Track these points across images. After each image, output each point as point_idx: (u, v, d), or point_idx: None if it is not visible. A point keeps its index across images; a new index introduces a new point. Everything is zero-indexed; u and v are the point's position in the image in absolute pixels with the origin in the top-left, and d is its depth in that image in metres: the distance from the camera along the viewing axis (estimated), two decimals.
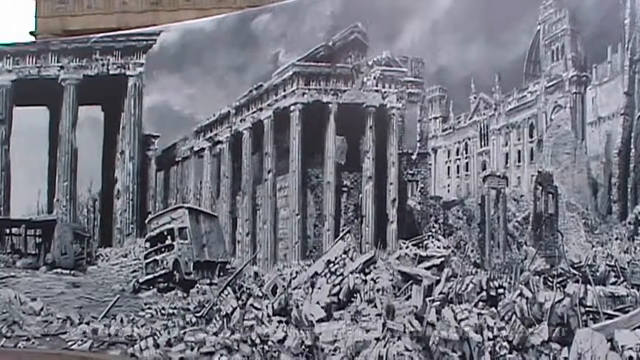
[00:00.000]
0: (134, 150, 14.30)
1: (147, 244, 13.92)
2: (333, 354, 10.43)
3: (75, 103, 14.76)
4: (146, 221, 14.13)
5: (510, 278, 10.02)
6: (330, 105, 12.16)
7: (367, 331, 10.42)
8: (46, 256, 14.79)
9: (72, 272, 14.49)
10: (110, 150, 14.62)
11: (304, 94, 12.33)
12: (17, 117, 15.10)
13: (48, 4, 27.61)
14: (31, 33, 28.66)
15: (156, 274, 13.65)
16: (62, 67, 14.75)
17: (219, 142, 13.70)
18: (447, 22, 11.00)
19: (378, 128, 12.06)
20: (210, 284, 12.98)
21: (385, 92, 11.83)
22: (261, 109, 12.96)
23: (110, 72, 14.47)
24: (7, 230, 15.32)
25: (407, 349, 9.89)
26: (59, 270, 14.59)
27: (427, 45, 11.23)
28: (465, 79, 11.02)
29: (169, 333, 12.42)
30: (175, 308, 12.96)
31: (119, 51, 14.43)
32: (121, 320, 13.08)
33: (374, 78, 11.80)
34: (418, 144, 11.89)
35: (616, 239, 9.76)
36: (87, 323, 13.30)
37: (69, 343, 13.12)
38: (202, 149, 13.96)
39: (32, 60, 14.95)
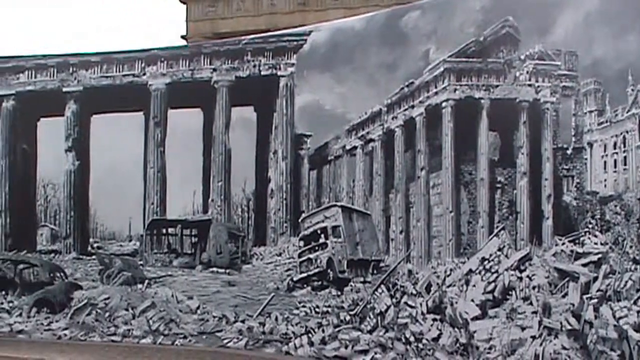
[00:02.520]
0: (286, 150, 15.33)
1: (301, 243, 14.84)
2: (488, 352, 10.92)
3: (228, 104, 15.99)
4: (300, 220, 15.06)
5: None
6: (482, 101, 12.58)
7: (523, 329, 10.82)
8: (202, 255, 16.12)
9: (228, 271, 15.71)
10: (263, 150, 15.67)
11: (455, 90, 12.81)
12: (172, 119, 16.53)
13: (198, 8, 29.64)
14: (182, 37, 30.95)
15: (310, 273, 14.54)
16: (214, 70, 16.03)
17: (371, 140, 14.31)
18: (601, 13, 11.23)
19: (532, 123, 12.37)
20: (364, 282, 13.66)
21: (538, 86, 12.12)
22: (413, 106, 13.51)
23: (262, 73, 15.60)
24: (164, 231, 16.76)
25: (564, 348, 10.28)
26: (214, 269, 15.85)
27: (581, 37, 11.48)
28: (622, 70, 11.11)
29: (323, 331, 13.33)
30: (329, 306, 13.77)
31: (270, 52, 15.52)
32: (276, 319, 14.11)
33: (527, 72, 12.11)
34: (573, 139, 12.07)
35: None
36: (243, 321, 14.43)
37: (225, 341, 14.28)
38: (355, 147, 14.60)
39: (186, 64, 16.32)
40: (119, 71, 16.72)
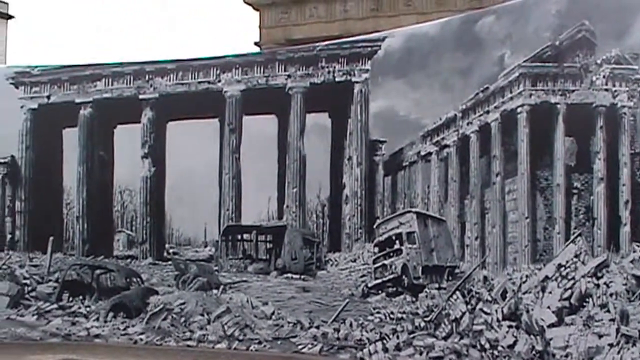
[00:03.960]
0: (361, 156, 15.64)
1: (376, 249, 15.09)
2: None
3: (303, 111, 16.35)
4: (374, 226, 15.31)
5: None
6: (558, 105, 12.73)
7: (600, 337, 11.01)
8: (277, 261, 16.50)
9: (302, 276, 16.03)
10: (337, 156, 16.01)
11: (531, 95, 12.97)
12: (247, 125, 16.95)
13: (271, 15, 30.33)
14: (256, 44, 31.72)
15: (385, 279, 14.78)
16: (289, 76, 16.41)
17: (446, 146, 14.51)
18: None
19: (609, 128, 12.46)
20: (439, 289, 13.86)
21: (615, 90, 12.21)
22: (488, 112, 13.69)
23: (336, 79, 15.93)
24: (239, 237, 17.16)
25: None
26: (289, 275, 16.17)
27: None
28: None
29: (397, 337, 13.54)
30: (404, 312, 13.96)
31: (344, 58, 15.84)
32: (350, 325, 14.32)
33: (604, 77, 12.21)
34: None
35: None
36: (317, 327, 14.64)
37: (300, 346, 14.51)
38: (429, 153, 14.82)
39: (260, 70, 16.74)
40: (194, 78, 17.27)
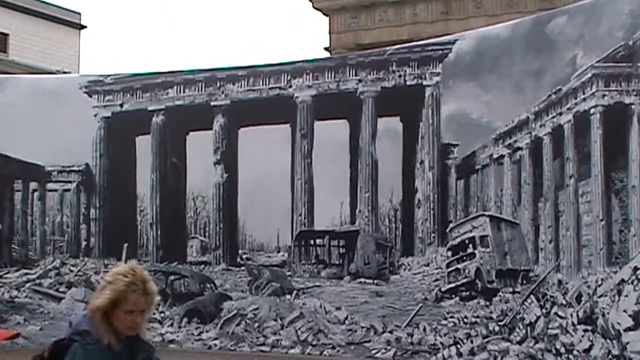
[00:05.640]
0: (433, 160, 15.80)
1: (449, 253, 15.34)
2: None
3: (374, 115, 16.63)
4: (447, 230, 15.54)
5: None
6: (632, 106, 12.69)
7: None
8: (349, 266, 16.81)
9: (375, 281, 16.31)
10: (409, 160, 16.21)
11: (604, 96, 12.98)
12: (318, 131, 17.33)
13: (341, 20, 30.88)
14: (326, 49, 32.32)
15: (458, 283, 15.00)
16: (360, 81, 16.71)
17: (519, 148, 14.59)
18: None
19: None
20: (513, 292, 13.97)
21: None
22: (560, 114, 13.73)
23: (408, 83, 16.15)
24: (312, 242, 17.58)
25: None
26: (362, 279, 16.48)
27: None
28: None
29: (471, 342, 13.86)
30: (477, 317, 14.23)
31: (415, 62, 16.07)
32: (424, 329, 14.64)
33: None
34: None
35: None
36: (391, 331, 14.99)
37: (373, 351, 14.89)
38: (502, 156, 14.91)
39: (331, 75, 17.09)
40: (266, 84, 17.73)
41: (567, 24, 13.63)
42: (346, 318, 15.91)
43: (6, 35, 50.72)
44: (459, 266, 15.21)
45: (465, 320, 14.46)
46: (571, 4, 14.26)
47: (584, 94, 13.42)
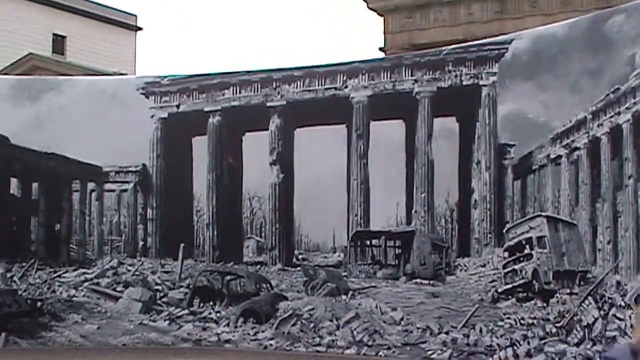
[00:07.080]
0: (490, 160, 15.94)
1: (506, 254, 15.42)
2: None
3: (430, 115, 16.86)
4: (504, 230, 15.63)
5: None
6: None
7: None
8: (405, 267, 17.08)
9: (431, 282, 16.56)
10: (466, 160, 16.39)
11: None
12: (374, 131, 17.55)
13: (396, 19, 31.02)
14: (380, 49, 32.50)
15: (515, 284, 15.09)
16: (416, 81, 16.95)
17: (576, 148, 14.62)
18: None
19: None
20: (571, 294, 14.00)
21: None
22: (619, 113, 13.72)
23: (464, 82, 16.35)
24: (368, 242, 17.76)
25: None
26: (418, 280, 16.71)
27: None
28: None
29: (528, 343, 13.92)
30: (534, 318, 14.30)
31: (471, 62, 16.27)
32: (480, 330, 14.80)
33: None
34: None
35: None
36: (447, 333, 15.17)
37: (429, 352, 15.07)
38: (559, 156, 14.96)
39: (387, 75, 17.36)
40: (321, 85, 18.02)
41: (625, 22, 13.61)
42: (402, 319, 16.07)
43: (64, 37, 51.86)
44: (516, 267, 15.26)
45: (522, 321, 14.51)
46: (629, 1, 14.23)
47: None
